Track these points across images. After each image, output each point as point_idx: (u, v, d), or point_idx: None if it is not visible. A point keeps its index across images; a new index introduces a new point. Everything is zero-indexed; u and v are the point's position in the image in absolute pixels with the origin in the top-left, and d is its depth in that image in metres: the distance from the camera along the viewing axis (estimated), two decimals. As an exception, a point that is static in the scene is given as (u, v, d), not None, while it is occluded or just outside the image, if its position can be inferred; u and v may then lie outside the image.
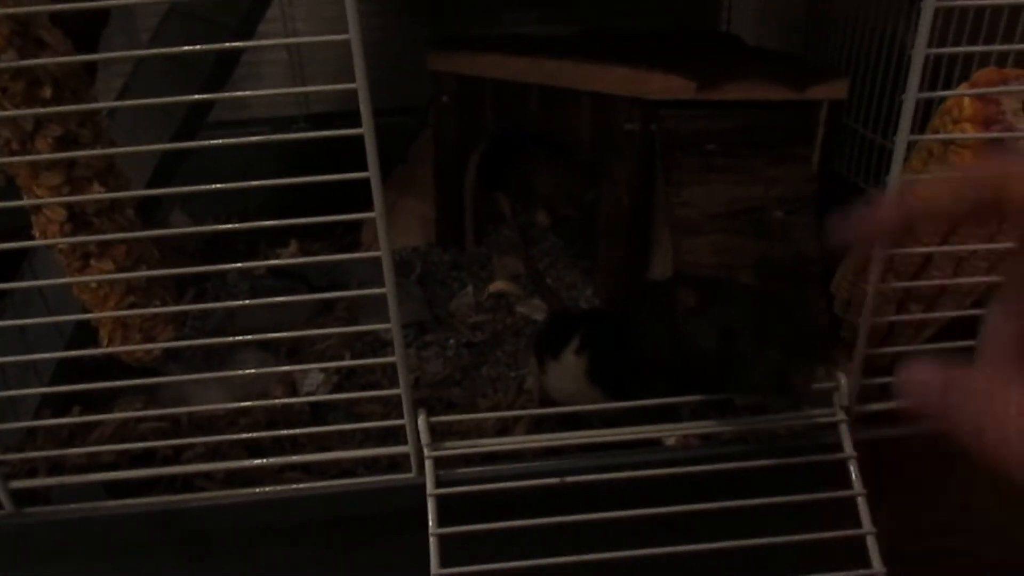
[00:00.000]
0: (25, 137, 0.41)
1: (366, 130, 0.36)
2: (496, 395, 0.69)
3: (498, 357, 0.75)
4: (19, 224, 0.50)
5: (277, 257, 0.92)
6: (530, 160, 0.98)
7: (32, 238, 0.47)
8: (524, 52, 0.81)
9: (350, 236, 0.97)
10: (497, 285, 0.85)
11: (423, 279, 0.88)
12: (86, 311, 0.55)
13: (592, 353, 0.62)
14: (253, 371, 0.54)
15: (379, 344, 0.77)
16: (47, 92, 0.40)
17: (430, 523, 0.41)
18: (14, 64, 0.37)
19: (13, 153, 0.41)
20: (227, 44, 0.53)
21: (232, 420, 0.64)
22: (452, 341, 0.77)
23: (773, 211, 0.71)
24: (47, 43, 0.39)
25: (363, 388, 0.71)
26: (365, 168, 0.39)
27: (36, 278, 0.61)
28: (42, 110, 0.37)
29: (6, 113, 0.38)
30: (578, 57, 0.77)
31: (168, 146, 0.45)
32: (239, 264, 0.41)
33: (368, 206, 0.41)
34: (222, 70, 0.64)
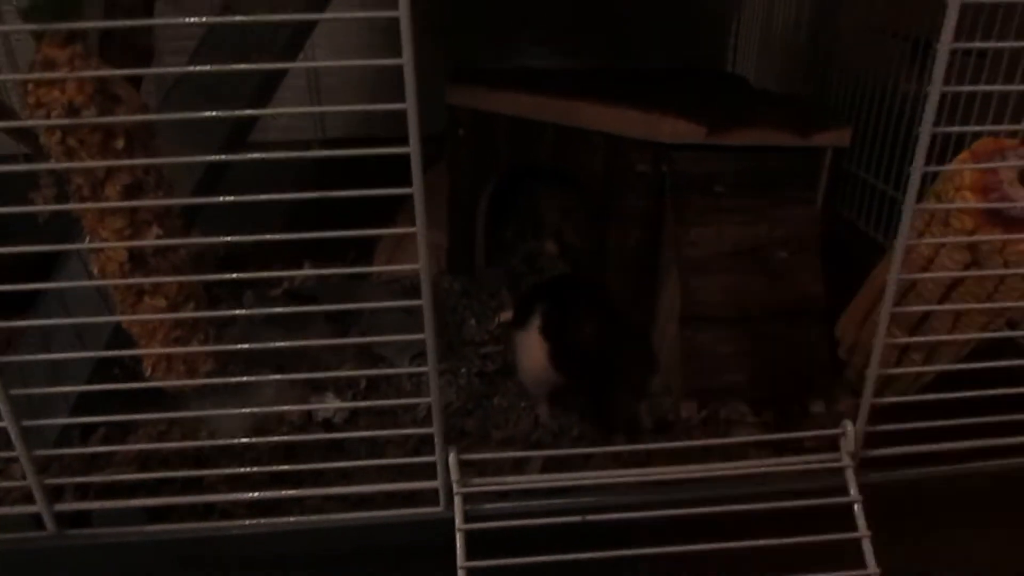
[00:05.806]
0: (96, 184, 0.43)
1: (413, 149, 0.39)
2: (509, 426, 0.71)
3: (509, 387, 0.76)
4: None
5: (291, 280, 0.94)
6: (541, 191, 1.00)
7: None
8: (539, 90, 0.84)
9: (363, 261, 0.99)
10: (507, 315, 0.86)
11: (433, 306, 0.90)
12: (116, 333, 0.57)
13: (555, 331, 0.62)
14: (284, 407, 0.56)
15: (392, 367, 0.78)
16: (120, 143, 0.42)
17: (459, 557, 0.44)
18: (94, 121, 0.39)
19: (83, 199, 0.43)
20: (275, 65, 0.55)
21: (250, 443, 0.66)
22: (464, 370, 0.79)
23: (777, 251, 0.74)
24: (122, 99, 0.41)
25: (379, 410, 0.73)
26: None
27: (63, 295, 0.63)
28: (114, 162, 0.39)
29: (85, 164, 0.40)
30: (592, 98, 0.80)
31: (214, 157, 0.48)
32: (271, 273, 0.43)
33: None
34: (258, 103, 0.66)
